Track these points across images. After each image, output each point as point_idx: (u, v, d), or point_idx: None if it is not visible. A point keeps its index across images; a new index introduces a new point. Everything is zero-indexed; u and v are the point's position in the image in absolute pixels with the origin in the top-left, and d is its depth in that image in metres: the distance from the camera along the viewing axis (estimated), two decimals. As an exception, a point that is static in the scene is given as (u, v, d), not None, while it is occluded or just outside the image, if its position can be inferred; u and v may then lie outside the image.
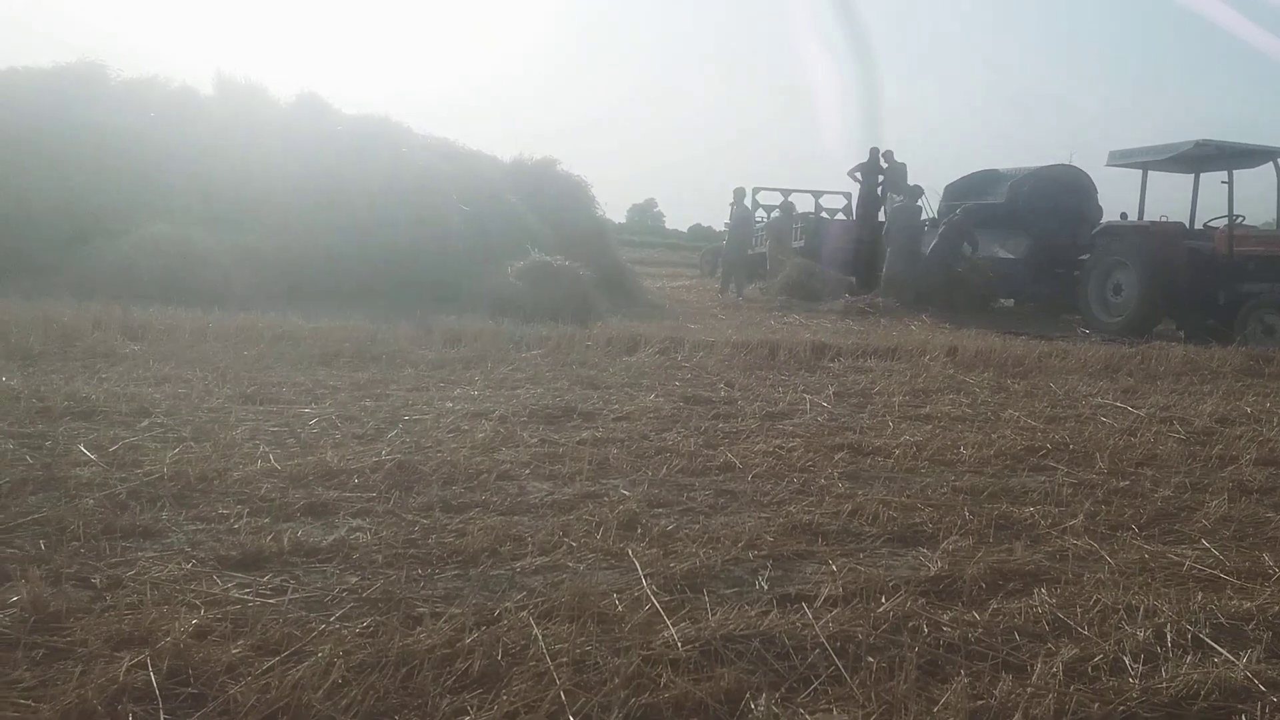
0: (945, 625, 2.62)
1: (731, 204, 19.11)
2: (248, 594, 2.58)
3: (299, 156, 12.55)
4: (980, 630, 2.60)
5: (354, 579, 2.74)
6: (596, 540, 3.17)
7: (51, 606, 2.39)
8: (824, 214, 20.69)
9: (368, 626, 2.41)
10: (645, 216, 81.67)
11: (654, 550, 3.10)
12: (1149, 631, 2.63)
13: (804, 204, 21.05)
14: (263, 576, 2.72)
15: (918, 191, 16.64)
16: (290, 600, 2.57)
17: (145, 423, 4.35)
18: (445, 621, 2.44)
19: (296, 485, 3.58)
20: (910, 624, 2.60)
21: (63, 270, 9.47)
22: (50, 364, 5.60)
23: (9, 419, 4.25)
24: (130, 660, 2.13)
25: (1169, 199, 15.28)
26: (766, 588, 2.86)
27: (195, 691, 2.08)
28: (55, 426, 4.17)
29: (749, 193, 19.91)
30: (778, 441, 4.76)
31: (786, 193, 20.89)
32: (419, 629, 2.40)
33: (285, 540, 2.97)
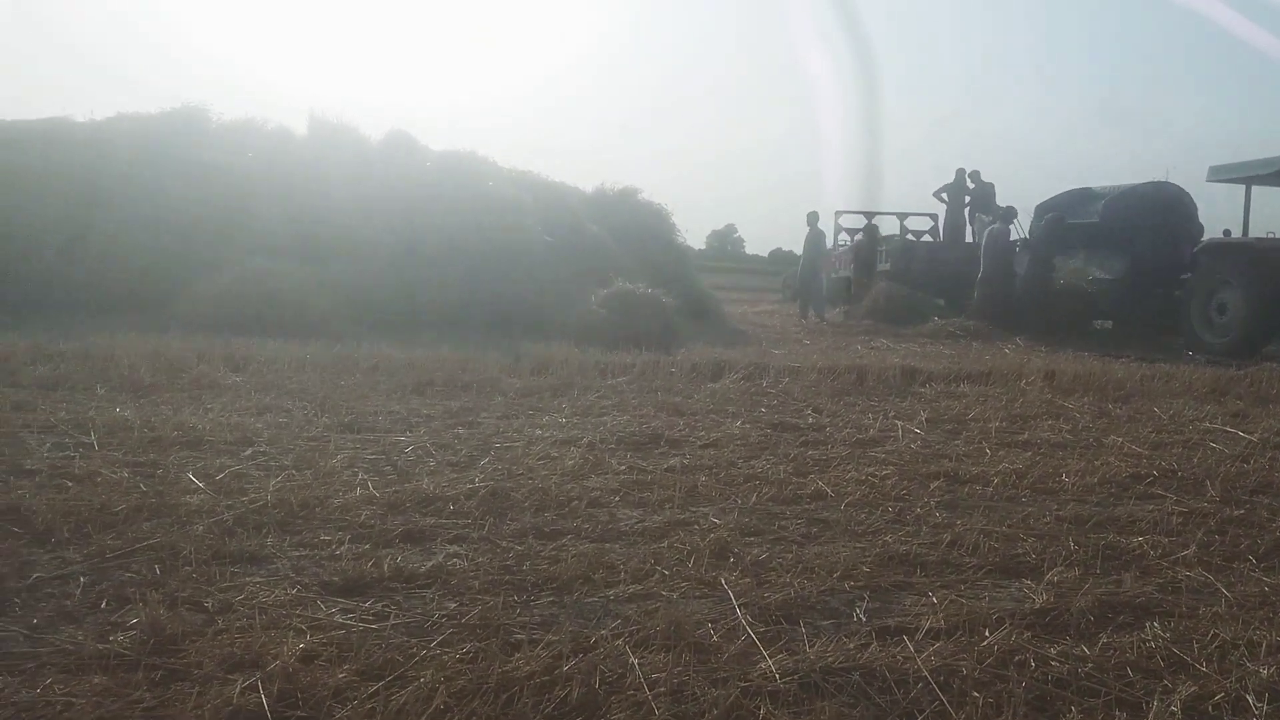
0: (1053, 660, 2.53)
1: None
2: (351, 619, 2.64)
3: (389, 192, 12.93)
4: (1090, 665, 2.51)
5: (453, 605, 2.78)
6: (689, 569, 3.16)
7: (168, 629, 2.47)
8: (909, 235, 20.38)
9: (467, 652, 2.44)
10: (725, 242, 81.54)
11: (747, 580, 3.08)
12: (1273, 669, 2.50)
13: (889, 226, 20.79)
14: (365, 602, 2.78)
15: (1011, 213, 16.28)
16: (392, 626, 2.62)
17: (249, 451, 4.50)
18: (543, 648, 2.45)
19: (395, 512, 3.66)
20: (1016, 658, 2.53)
21: (170, 304, 9.90)
22: (160, 395, 5.84)
23: (123, 448, 4.44)
24: (243, 683, 2.20)
25: (1276, 215, 14.65)
26: (865, 619, 2.81)
27: (305, 715, 2.13)
28: (166, 455, 4.34)
29: (831, 215, 19.78)
30: (870, 469, 4.68)
31: (870, 215, 20.67)
32: (517, 655, 2.42)
33: (385, 566, 3.03)
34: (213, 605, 2.70)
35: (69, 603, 2.70)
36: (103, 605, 2.69)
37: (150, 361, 6.64)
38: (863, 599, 2.97)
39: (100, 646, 2.40)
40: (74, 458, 4.18)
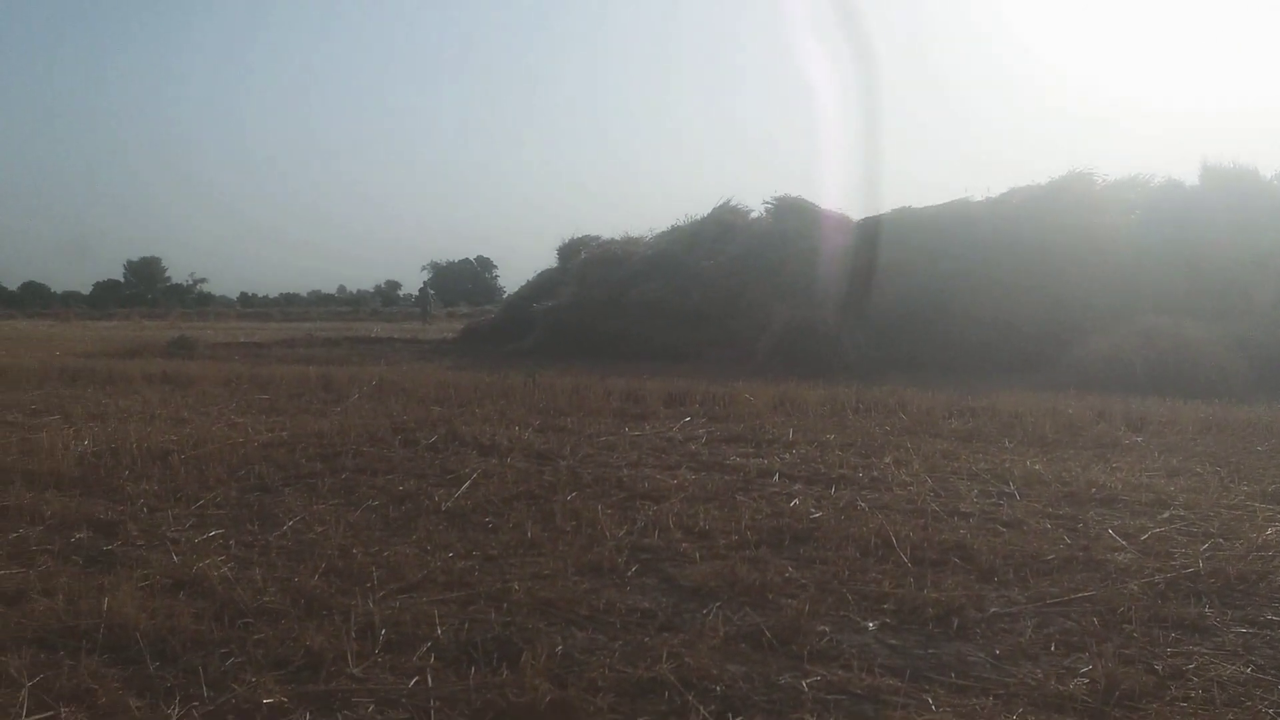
0: None
1: None
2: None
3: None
4: None
5: None
6: None
7: (1123, 685, 2.54)
8: None
9: None
10: None
11: None
12: None
13: None
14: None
15: None
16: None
17: (1165, 514, 4.38)
18: None
19: (1364, 603, 3.19)
20: None
21: (1058, 362, 10.19)
22: (1063, 451, 6.04)
23: (1041, 500, 4.70)
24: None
25: None
26: None
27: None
28: (1083, 510, 4.47)
29: None
30: None
31: None
32: None
33: (1362, 664, 2.66)
34: (1163, 670, 2.68)
35: (1022, 639, 2.94)
36: (1052, 648, 2.87)
37: (1050, 418, 6.92)
38: None
39: (1060, 688, 2.57)
40: (1000, 505, 4.58)
